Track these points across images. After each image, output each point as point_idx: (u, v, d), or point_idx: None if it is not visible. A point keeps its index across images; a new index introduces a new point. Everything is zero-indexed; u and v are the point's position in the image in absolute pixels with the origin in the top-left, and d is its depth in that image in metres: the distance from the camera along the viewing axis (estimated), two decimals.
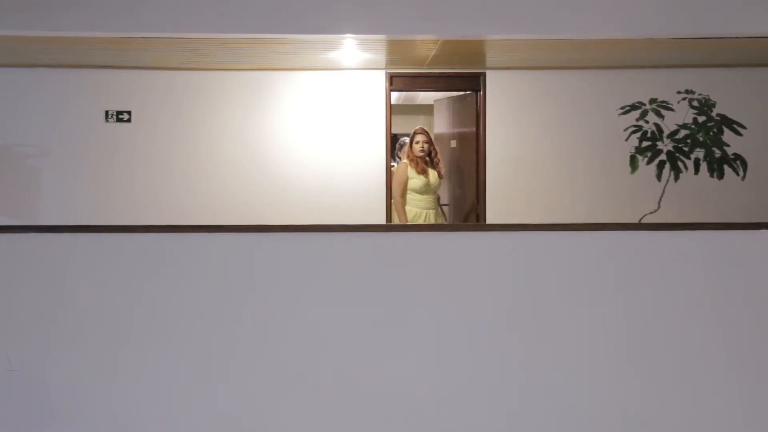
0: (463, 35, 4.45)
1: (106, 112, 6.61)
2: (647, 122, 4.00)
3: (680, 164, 3.87)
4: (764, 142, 6.25)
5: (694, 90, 4.06)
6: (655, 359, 3.51)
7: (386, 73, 6.69)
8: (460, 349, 3.49)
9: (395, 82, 6.77)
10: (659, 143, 3.93)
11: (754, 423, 3.53)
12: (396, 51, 5.93)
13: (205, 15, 4.00)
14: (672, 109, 3.98)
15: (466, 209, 6.93)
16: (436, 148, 6.25)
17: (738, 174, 3.88)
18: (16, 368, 3.38)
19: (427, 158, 6.13)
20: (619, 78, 6.61)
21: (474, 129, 6.82)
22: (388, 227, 4.57)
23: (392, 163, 7.07)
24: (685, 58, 6.21)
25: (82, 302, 3.41)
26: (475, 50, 5.95)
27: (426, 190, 6.07)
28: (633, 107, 4.04)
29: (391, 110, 6.79)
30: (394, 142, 7.26)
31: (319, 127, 6.70)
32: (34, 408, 3.39)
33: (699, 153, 3.89)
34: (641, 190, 4.66)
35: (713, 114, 3.96)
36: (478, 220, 6.70)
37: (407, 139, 6.62)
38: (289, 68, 6.60)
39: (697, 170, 3.90)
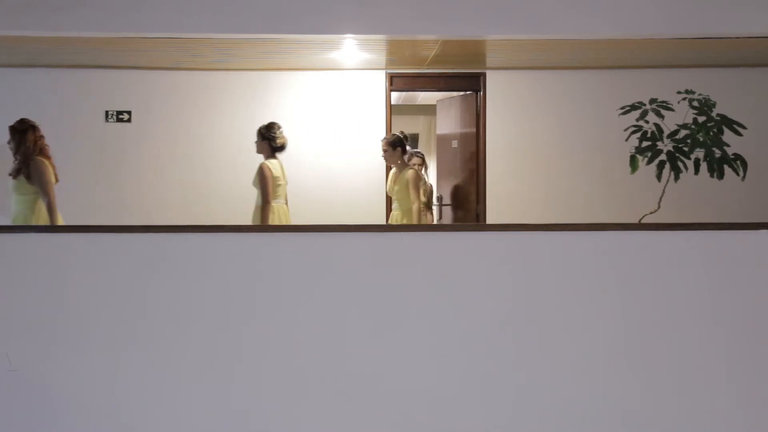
0: (463, 35, 4.46)
1: (106, 112, 6.61)
2: (647, 122, 4.00)
3: (680, 164, 3.87)
4: (764, 142, 6.25)
5: (694, 90, 4.06)
6: (654, 359, 3.51)
7: (386, 73, 6.70)
8: (460, 349, 3.48)
9: (395, 82, 6.78)
10: (659, 143, 3.93)
11: (754, 423, 3.53)
12: (396, 51, 5.93)
13: (205, 15, 4.00)
14: (672, 109, 3.97)
15: (467, 209, 6.94)
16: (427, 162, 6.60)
17: (738, 174, 3.88)
18: (17, 368, 3.38)
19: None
20: (619, 78, 6.61)
21: (474, 129, 6.83)
22: (388, 227, 4.57)
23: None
24: (685, 58, 6.21)
25: (83, 302, 3.41)
26: (475, 50, 5.96)
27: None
28: (633, 107, 4.04)
29: (391, 110, 6.80)
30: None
31: (319, 127, 6.71)
32: (34, 408, 3.39)
33: (699, 153, 3.89)
34: (641, 190, 4.66)
35: (713, 114, 3.96)
36: (478, 220, 6.70)
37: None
38: (289, 68, 6.60)
39: (697, 170, 3.90)
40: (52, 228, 3.57)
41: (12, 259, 3.43)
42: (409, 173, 5.85)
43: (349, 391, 3.45)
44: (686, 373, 3.51)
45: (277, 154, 5.64)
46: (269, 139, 5.61)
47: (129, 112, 6.63)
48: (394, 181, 5.92)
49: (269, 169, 5.51)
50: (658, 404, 3.49)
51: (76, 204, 6.50)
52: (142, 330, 3.43)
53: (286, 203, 5.75)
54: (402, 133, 6.00)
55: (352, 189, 6.64)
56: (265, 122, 6.64)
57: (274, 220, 5.47)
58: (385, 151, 5.91)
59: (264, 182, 5.47)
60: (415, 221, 5.74)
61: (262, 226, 5.23)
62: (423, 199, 6.13)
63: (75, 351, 3.40)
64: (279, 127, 5.65)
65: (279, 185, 5.56)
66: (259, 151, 5.68)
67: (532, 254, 3.53)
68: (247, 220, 6.03)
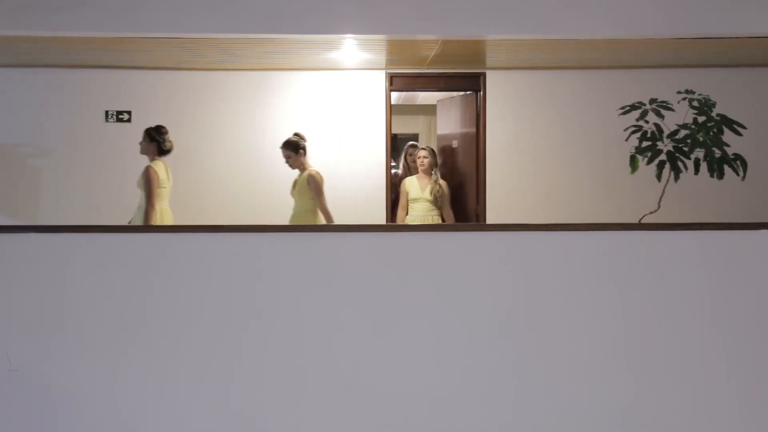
0: (463, 35, 4.45)
1: (106, 112, 6.61)
2: (647, 122, 4.00)
3: (680, 164, 3.87)
4: (764, 142, 6.25)
5: (694, 90, 4.06)
6: (654, 359, 3.51)
7: (386, 73, 6.69)
8: (460, 349, 3.49)
9: (395, 82, 6.78)
10: (659, 143, 3.93)
11: (754, 423, 3.53)
12: (396, 51, 5.93)
13: (205, 15, 4.00)
14: (672, 109, 3.98)
15: (467, 209, 6.93)
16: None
17: (738, 174, 3.88)
18: (17, 368, 3.38)
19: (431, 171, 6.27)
20: (619, 78, 6.61)
21: (474, 129, 6.83)
22: (388, 227, 4.57)
23: (392, 163, 7.08)
24: (685, 58, 6.21)
25: (82, 302, 3.41)
26: (475, 50, 5.95)
27: (419, 199, 6.23)
28: (633, 107, 4.04)
29: (391, 110, 6.80)
30: (394, 142, 7.28)
31: (319, 127, 6.70)
32: (34, 408, 3.39)
33: (699, 153, 3.89)
34: (641, 190, 4.66)
35: (713, 114, 3.96)
36: (478, 220, 6.70)
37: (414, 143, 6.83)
38: (289, 68, 6.60)
39: (697, 170, 3.90)
40: (52, 228, 3.56)
41: (12, 259, 3.43)
42: (306, 175, 5.65)
43: (349, 391, 3.45)
44: (686, 372, 3.51)
45: (163, 157, 5.58)
46: (159, 142, 5.57)
47: (129, 112, 6.63)
48: (294, 183, 5.76)
49: (155, 171, 5.47)
50: (658, 404, 3.49)
51: (77, 204, 6.51)
52: (142, 330, 3.43)
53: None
54: (297, 134, 5.77)
55: (352, 189, 6.63)
56: (265, 122, 6.68)
57: (156, 222, 5.40)
58: (288, 157, 5.68)
59: (150, 185, 5.42)
60: (324, 221, 5.54)
61: (262, 226, 5.20)
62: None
63: (75, 351, 3.40)
64: (167, 131, 5.63)
65: (163, 188, 5.52)
66: (144, 152, 5.61)
67: (532, 254, 3.53)
68: (248, 220, 6.05)
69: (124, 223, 5.60)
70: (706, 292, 3.54)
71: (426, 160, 6.24)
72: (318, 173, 5.69)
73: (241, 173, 6.61)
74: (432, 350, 3.49)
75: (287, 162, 5.71)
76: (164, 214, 5.50)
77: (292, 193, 5.76)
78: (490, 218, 6.61)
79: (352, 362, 3.47)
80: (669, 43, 5.44)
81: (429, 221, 6.15)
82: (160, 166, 5.54)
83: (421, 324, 3.48)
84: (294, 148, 5.68)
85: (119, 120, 6.61)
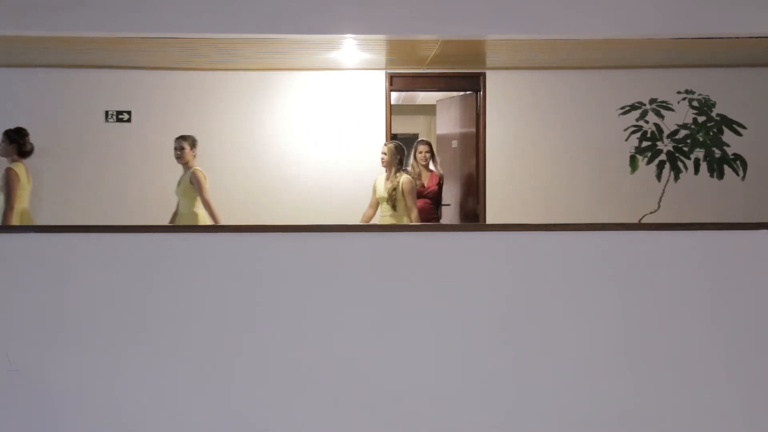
0: (463, 35, 4.46)
1: (106, 112, 6.61)
2: (647, 122, 4.00)
3: (680, 164, 3.87)
4: (764, 142, 6.25)
5: (694, 90, 4.06)
6: (654, 359, 3.51)
7: (386, 73, 6.70)
8: (460, 349, 3.48)
9: (395, 82, 6.78)
10: (659, 143, 3.93)
11: (754, 423, 3.53)
12: (396, 51, 5.93)
13: (205, 15, 4.00)
14: (672, 109, 3.97)
15: (467, 209, 6.94)
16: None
17: (738, 174, 3.88)
18: (17, 368, 3.38)
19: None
20: (619, 78, 6.61)
21: (474, 129, 6.83)
22: (388, 227, 4.56)
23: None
24: (685, 58, 6.22)
25: (82, 302, 3.41)
26: (475, 50, 5.96)
27: (381, 198, 5.82)
28: (633, 107, 4.04)
29: (391, 110, 6.80)
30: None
31: (319, 127, 6.71)
32: (34, 408, 3.39)
33: (699, 153, 3.89)
34: (641, 190, 4.66)
35: (713, 114, 3.96)
36: (478, 220, 6.71)
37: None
38: (289, 68, 6.61)
39: (697, 170, 3.90)
40: (52, 228, 3.56)
41: (12, 259, 3.43)
42: (189, 173, 5.58)
43: (349, 391, 3.45)
44: (686, 372, 3.51)
45: (24, 159, 5.46)
46: (19, 144, 5.44)
47: (129, 112, 6.63)
48: (178, 182, 5.67)
49: (16, 173, 5.36)
50: (658, 404, 3.49)
51: (76, 204, 6.51)
52: (141, 330, 3.42)
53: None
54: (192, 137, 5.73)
55: (353, 189, 6.63)
56: (265, 122, 6.68)
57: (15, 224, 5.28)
58: (182, 149, 5.60)
59: (11, 186, 5.30)
60: (210, 221, 5.49)
61: (262, 226, 5.18)
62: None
63: (75, 351, 3.40)
64: (28, 133, 5.51)
65: (24, 190, 5.41)
66: (3, 155, 5.48)
67: (532, 254, 3.52)
68: (248, 220, 6.04)
69: (125, 222, 5.58)
70: (706, 292, 3.54)
71: (384, 157, 5.79)
72: (201, 171, 5.61)
73: (241, 173, 6.62)
74: (432, 350, 3.48)
75: (178, 153, 5.62)
76: (24, 216, 5.41)
77: (177, 192, 5.67)
78: (490, 218, 6.61)
79: (353, 362, 3.46)
80: (669, 43, 5.45)
81: (386, 222, 5.67)
82: (21, 168, 5.43)
83: (421, 324, 3.48)
84: (192, 142, 5.63)
85: (119, 120, 6.61)
